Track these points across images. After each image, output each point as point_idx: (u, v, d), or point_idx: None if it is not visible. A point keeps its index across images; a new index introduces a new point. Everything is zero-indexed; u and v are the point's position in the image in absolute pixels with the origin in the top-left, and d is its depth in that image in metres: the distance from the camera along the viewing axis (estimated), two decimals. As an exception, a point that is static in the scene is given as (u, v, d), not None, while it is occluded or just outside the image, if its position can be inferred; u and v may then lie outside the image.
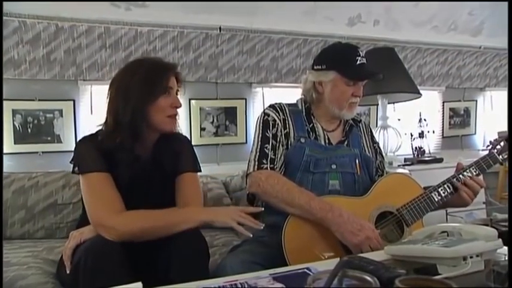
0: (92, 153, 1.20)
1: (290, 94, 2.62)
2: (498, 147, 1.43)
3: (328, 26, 2.97)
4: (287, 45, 2.93)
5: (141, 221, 1.13)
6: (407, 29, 3.22)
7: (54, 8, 2.34)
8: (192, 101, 2.76)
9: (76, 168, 1.22)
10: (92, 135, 1.27)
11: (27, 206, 1.84)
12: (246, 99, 2.90)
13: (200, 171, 1.40)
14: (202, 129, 2.78)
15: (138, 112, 1.20)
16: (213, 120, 2.83)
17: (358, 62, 1.40)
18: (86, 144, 1.25)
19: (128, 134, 1.20)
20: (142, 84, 1.22)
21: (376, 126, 3.01)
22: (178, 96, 1.32)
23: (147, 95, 1.22)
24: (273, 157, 1.38)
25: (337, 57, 1.44)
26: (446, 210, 2.21)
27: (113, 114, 1.23)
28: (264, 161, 1.36)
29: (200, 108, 2.78)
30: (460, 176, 1.37)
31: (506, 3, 2.28)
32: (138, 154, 1.25)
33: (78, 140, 1.32)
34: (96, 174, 1.18)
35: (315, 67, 1.48)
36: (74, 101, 2.51)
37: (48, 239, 1.84)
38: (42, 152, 2.44)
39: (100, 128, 1.26)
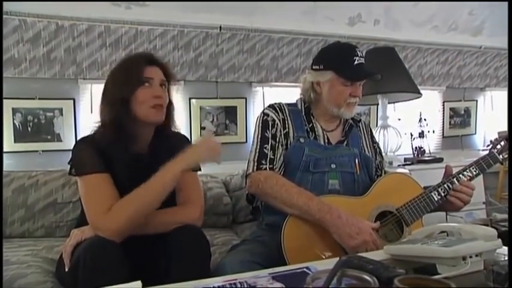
0: (88, 154, 1.19)
1: (290, 93, 2.62)
2: (498, 146, 1.43)
3: (329, 25, 2.97)
4: (287, 45, 2.93)
5: (125, 211, 1.11)
6: (408, 29, 3.22)
7: (55, 6, 2.34)
8: (192, 100, 2.75)
9: (73, 170, 1.22)
10: (88, 135, 1.27)
11: (27, 204, 1.83)
12: (246, 99, 2.90)
13: (200, 170, 1.39)
14: (202, 128, 2.78)
15: (119, 106, 1.20)
16: (213, 119, 2.82)
17: (355, 62, 1.39)
18: (81, 145, 1.25)
19: (115, 130, 1.19)
20: (118, 77, 1.24)
21: (376, 125, 3.01)
22: (173, 89, 1.33)
23: (123, 88, 1.22)
24: (272, 157, 1.38)
25: (334, 57, 1.44)
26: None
27: (100, 112, 1.25)
28: (263, 162, 1.36)
29: (200, 108, 2.78)
30: (460, 175, 1.37)
31: (506, 3, 2.28)
32: (133, 152, 1.23)
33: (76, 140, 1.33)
34: (92, 175, 1.17)
35: (313, 67, 1.48)
36: (74, 99, 2.50)
37: (47, 237, 1.83)
38: (42, 151, 2.43)
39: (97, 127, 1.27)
